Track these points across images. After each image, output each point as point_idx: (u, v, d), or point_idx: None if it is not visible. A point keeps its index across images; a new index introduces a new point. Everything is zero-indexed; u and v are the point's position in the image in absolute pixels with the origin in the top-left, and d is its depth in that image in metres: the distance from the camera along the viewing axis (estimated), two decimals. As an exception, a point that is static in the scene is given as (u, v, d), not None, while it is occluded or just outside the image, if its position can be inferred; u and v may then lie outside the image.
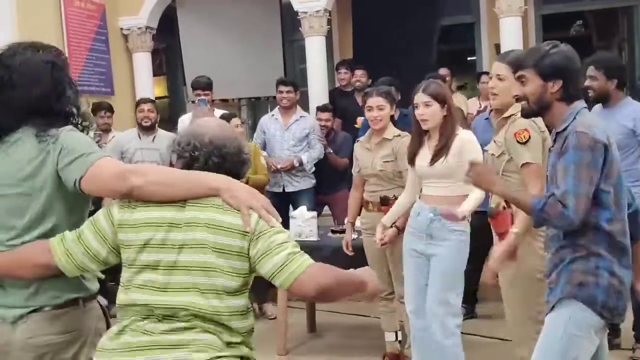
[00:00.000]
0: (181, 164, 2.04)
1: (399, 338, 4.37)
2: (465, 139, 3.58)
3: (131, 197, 1.95)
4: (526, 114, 2.63)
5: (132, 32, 8.01)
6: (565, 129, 2.46)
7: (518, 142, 3.05)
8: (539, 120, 2.75)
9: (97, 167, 1.99)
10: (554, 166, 2.48)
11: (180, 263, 1.88)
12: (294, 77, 7.81)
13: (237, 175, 2.05)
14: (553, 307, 2.51)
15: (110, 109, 6.31)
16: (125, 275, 1.95)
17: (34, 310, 2.07)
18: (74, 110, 2.16)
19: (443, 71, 7.02)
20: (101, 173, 1.99)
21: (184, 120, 5.78)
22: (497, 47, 7.50)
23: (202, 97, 5.61)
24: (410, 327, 3.84)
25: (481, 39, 8.65)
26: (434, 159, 3.58)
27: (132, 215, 1.94)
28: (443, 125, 3.60)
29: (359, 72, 6.82)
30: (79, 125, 2.15)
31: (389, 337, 4.39)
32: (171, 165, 2.09)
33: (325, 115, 6.14)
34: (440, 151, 3.57)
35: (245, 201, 1.91)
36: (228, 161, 2.02)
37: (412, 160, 3.75)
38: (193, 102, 5.72)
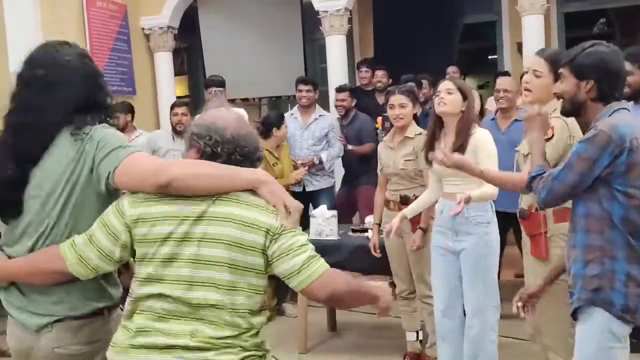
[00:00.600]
0: (199, 158, 1.99)
1: (420, 338, 4.35)
2: (481, 138, 3.57)
3: (169, 190, 1.89)
4: (564, 113, 2.60)
5: (154, 31, 8.05)
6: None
7: None
8: (574, 124, 2.71)
9: (132, 159, 1.97)
10: None
11: (202, 257, 1.87)
12: (315, 76, 7.81)
13: None
14: (577, 315, 2.47)
15: (123, 110, 6.35)
16: (144, 270, 1.91)
17: (59, 320, 2.04)
18: (108, 101, 2.15)
19: (450, 69, 6.88)
20: (136, 165, 1.95)
21: None
22: (519, 45, 7.44)
23: (218, 90, 5.66)
24: (437, 327, 3.81)
25: (503, 38, 8.57)
26: None
27: (150, 209, 1.90)
28: (460, 122, 3.59)
29: (379, 73, 6.77)
30: (109, 121, 2.13)
31: (410, 336, 4.38)
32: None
33: (342, 95, 6.13)
34: (457, 151, 3.54)
35: (282, 199, 1.91)
36: (248, 159, 2.00)
37: (427, 159, 3.73)
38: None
